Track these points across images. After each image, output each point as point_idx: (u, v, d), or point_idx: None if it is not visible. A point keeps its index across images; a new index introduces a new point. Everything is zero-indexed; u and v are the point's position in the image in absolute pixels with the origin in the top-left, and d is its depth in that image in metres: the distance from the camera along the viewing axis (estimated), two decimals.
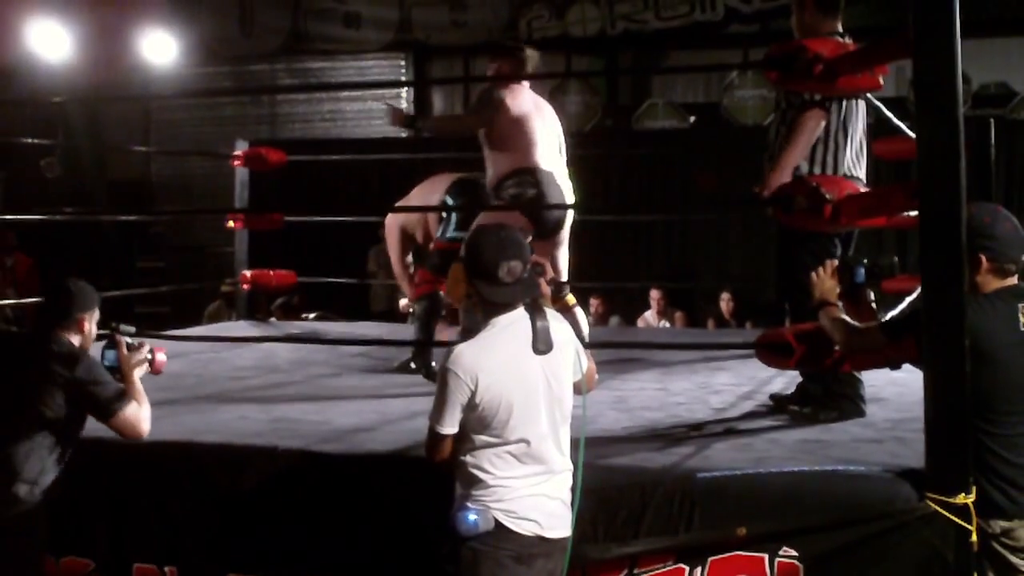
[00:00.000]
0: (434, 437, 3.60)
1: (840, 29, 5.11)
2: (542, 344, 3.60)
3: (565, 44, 13.89)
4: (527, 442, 3.55)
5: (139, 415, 4.35)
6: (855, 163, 5.11)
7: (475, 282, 3.62)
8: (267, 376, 6.77)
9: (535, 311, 3.64)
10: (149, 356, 4.59)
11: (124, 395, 4.34)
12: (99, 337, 4.57)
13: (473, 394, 3.50)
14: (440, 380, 3.57)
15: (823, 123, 4.98)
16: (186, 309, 11.36)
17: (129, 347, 4.58)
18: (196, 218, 13.67)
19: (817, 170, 5.01)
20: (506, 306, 3.62)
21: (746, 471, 4.03)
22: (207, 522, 4.45)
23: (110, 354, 4.54)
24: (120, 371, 4.49)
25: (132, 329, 4.75)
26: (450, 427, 3.56)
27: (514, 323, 3.61)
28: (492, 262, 3.57)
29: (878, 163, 7.70)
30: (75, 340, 4.40)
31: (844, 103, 5.04)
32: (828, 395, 5.07)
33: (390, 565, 4.19)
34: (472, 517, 3.51)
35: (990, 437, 3.67)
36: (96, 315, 4.54)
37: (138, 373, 4.54)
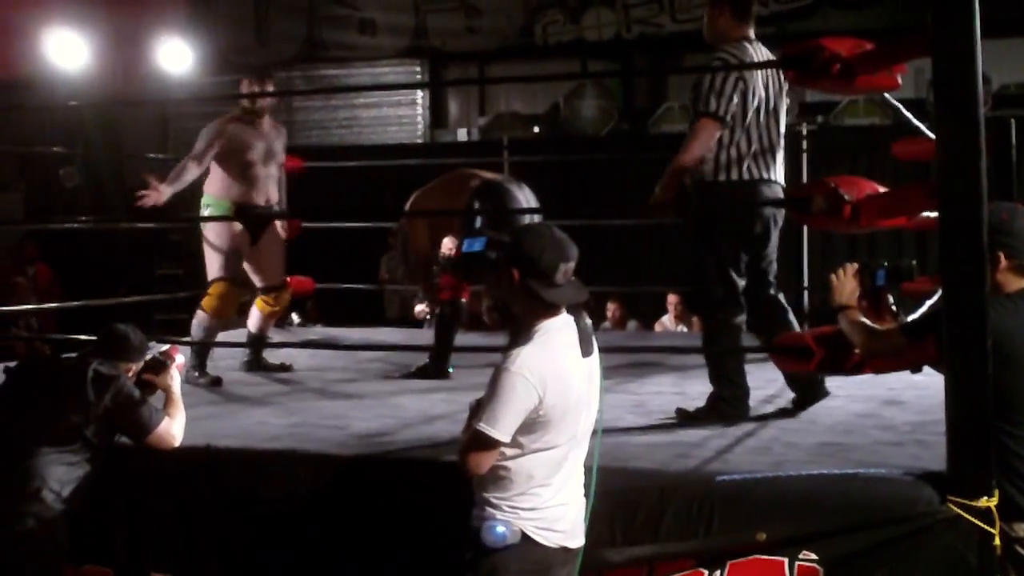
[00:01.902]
0: (484, 443, 3.40)
1: (752, 35, 5.29)
2: (588, 346, 3.53)
3: (580, 49, 13.86)
4: (568, 448, 3.49)
5: (170, 429, 4.46)
6: (763, 167, 5.19)
7: (529, 282, 3.45)
8: (285, 381, 6.77)
9: (576, 311, 3.56)
10: (179, 361, 4.69)
11: (155, 413, 4.41)
12: None
13: (541, 401, 3.37)
14: (504, 384, 3.38)
15: (718, 133, 5.08)
16: None
17: (158, 365, 4.63)
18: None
19: (722, 176, 5.15)
20: (555, 308, 3.51)
21: (765, 474, 4.01)
22: (224, 528, 4.45)
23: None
24: (159, 387, 4.58)
25: (157, 348, 4.79)
26: (507, 434, 3.38)
27: (566, 326, 3.51)
28: (552, 263, 3.45)
29: (897, 164, 7.66)
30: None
31: (749, 113, 5.11)
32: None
33: (409, 571, 4.17)
34: (500, 529, 3.42)
35: (1013, 439, 3.64)
36: (141, 364, 4.60)
37: (176, 387, 4.60)
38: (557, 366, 3.43)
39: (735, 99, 5.08)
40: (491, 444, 3.40)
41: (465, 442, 3.48)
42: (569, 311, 3.56)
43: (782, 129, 5.33)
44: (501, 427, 3.37)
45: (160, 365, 4.66)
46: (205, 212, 7.07)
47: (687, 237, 5.45)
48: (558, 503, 3.50)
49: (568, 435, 3.48)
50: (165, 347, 4.86)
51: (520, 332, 3.54)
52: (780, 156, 5.30)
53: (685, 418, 5.19)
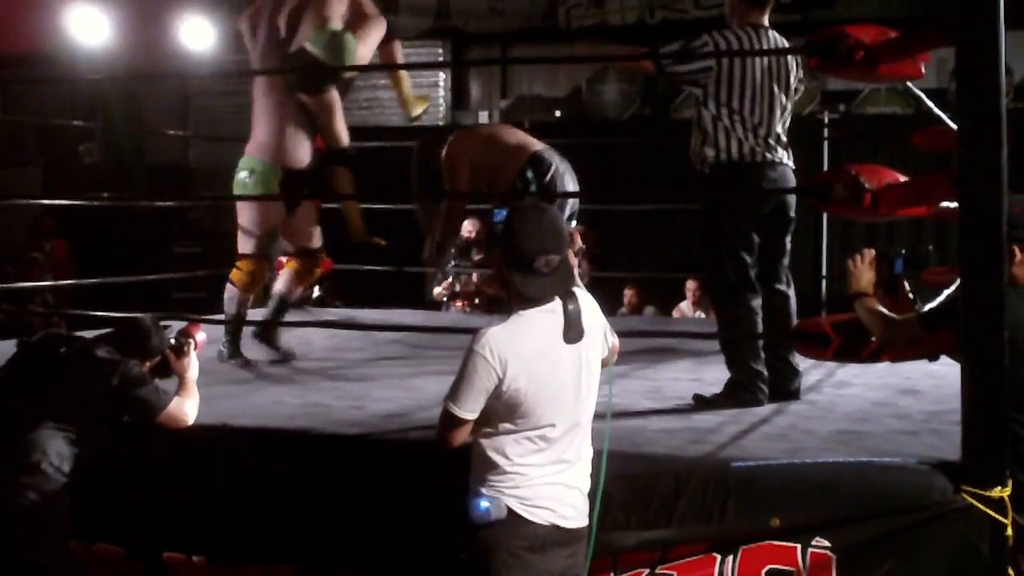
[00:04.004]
0: (450, 420, 3.48)
1: (763, 22, 5.34)
2: (574, 333, 3.49)
3: (603, 33, 13.82)
4: (550, 431, 3.47)
5: (182, 409, 4.46)
6: (768, 148, 5.24)
7: (509, 271, 3.46)
8: (302, 361, 6.79)
9: (566, 296, 3.52)
10: (196, 341, 4.68)
11: (163, 395, 4.42)
12: None
13: (501, 381, 3.39)
14: (466, 361, 3.44)
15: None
16: (222, 295, 11.41)
17: (176, 349, 4.63)
18: (233, 204, 13.67)
19: (723, 157, 5.22)
20: (538, 299, 3.48)
21: (781, 461, 4.01)
22: (238, 508, 4.46)
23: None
24: (174, 372, 4.58)
25: (171, 328, 4.78)
26: (470, 412, 3.44)
27: (547, 309, 3.48)
28: (530, 253, 3.42)
29: (918, 153, 7.64)
30: None
31: (743, 95, 5.20)
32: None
33: (423, 552, 4.19)
34: (484, 504, 3.44)
35: None
36: (156, 361, 4.62)
37: (192, 374, 4.60)
38: (525, 348, 3.43)
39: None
40: (455, 420, 3.48)
41: (439, 420, 3.56)
42: (563, 296, 3.53)
43: (786, 113, 5.37)
44: (462, 403, 3.45)
45: (179, 351, 4.66)
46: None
47: (700, 223, 5.46)
48: (547, 483, 3.49)
49: (547, 420, 3.46)
50: (183, 325, 4.87)
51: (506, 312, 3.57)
52: (784, 139, 5.34)
53: (702, 404, 5.19)
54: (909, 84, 5.89)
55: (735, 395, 5.19)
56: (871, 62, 4.29)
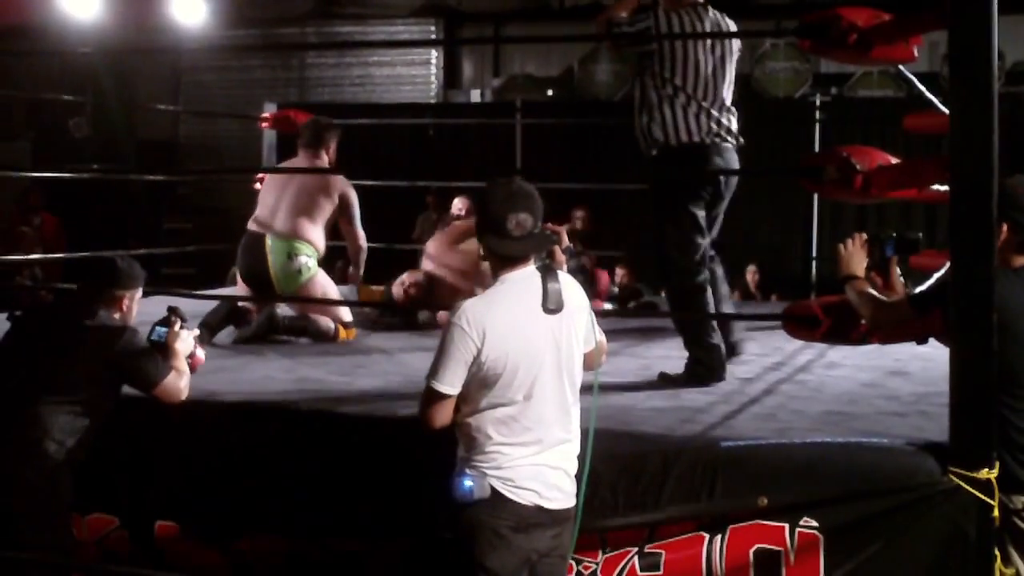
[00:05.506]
0: (432, 396, 3.48)
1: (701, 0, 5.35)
2: (552, 303, 3.49)
3: (596, 12, 13.75)
4: (530, 406, 3.47)
5: (178, 384, 4.43)
6: (714, 128, 5.24)
7: (484, 237, 3.52)
8: (293, 337, 6.79)
9: (547, 272, 3.54)
10: (196, 345, 4.67)
11: (163, 366, 4.40)
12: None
13: (479, 351, 3.40)
14: (445, 335, 3.46)
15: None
16: (212, 270, 11.41)
17: (167, 320, 4.63)
18: (223, 179, 13.69)
19: (673, 140, 5.28)
20: (515, 261, 3.52)
21: (770, 441, 4.03)
22: (226, 480, 4.48)
23: (161, 330, 4.59)
24: (166, 345, 4.55)
25: (186, 318, 4.78)
26: (450, 386, 3.44)
27: (524, 280, 3.51)
28: (500, 215, 3.47)
29: (909, 137, 7.66)
30: (115, 316, 4.45)
31: (676, 63, 5.23)
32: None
33: (411, 528, 4.21)
34: (468, 484, 3.44)
35: (1015, 413, 3.67)
36: (138, 295, 4.60)
37: (183, 349, 4.59)
38: (502, 318, 3.45)
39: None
40: (437, 396, 3.47)
41: (421, 398, 3.55)
42: (542, 270, 3.55)
43: (731, 87, 5.39)
44: (442, 377, 3.44)
45: (167, 321, 4.64)
46: None
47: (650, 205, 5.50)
48: (529, 464, 3.49)
49: (523, 394, 3.47)
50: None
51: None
52: (732, 119, 5.35)
53: (667, 382, 5.22)
54: (901, 67, 5.89)
55: (696, 374, 5.22)
56: (865, 45, 4.30)
